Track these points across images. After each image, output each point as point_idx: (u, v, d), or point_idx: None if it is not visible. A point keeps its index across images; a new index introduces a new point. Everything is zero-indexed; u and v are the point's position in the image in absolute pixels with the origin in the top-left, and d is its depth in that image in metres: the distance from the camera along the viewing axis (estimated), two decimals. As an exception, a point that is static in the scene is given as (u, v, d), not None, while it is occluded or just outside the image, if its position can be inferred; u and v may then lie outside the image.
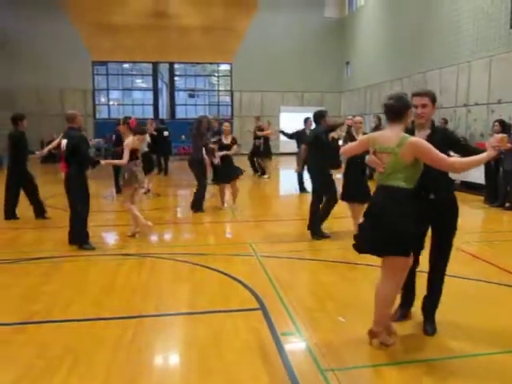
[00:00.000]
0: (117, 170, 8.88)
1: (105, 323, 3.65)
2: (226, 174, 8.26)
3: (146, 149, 10.37)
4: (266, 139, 13.09)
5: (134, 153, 6.25)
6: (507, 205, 8.38)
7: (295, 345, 3.31)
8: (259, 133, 13.12)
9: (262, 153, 13.24)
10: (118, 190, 9.10)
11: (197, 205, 8.18)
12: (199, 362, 3.04)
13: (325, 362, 2.97)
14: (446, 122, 11.11)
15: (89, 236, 5.80)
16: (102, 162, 6.45)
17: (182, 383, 2.87)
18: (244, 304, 4.00)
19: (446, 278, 3.50)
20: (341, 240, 6.08)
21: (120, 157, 6.36)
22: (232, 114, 23.04)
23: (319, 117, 6.29)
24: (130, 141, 6.19)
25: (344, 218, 6.80)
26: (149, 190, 10.18)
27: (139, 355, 3.13)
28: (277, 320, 3.62)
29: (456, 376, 2.85)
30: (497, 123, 8.67)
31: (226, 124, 8.69)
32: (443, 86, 13.77)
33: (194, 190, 8.34)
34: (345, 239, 6.04)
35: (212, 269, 4.93)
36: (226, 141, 8.36)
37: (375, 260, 4.92)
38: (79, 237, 5.75)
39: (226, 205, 8.57)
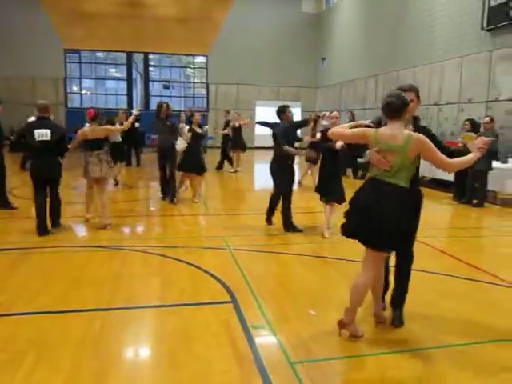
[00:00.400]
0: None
1: (72, 316, 3.57)
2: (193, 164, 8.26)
3: (117, 139, 10.21)
4: (239, 130, 12.95)
5: (88, 143, 6.29)
6: (474, 202, 8.61)
7: (265, 337, 3.31)
8: (240, 123, 12.91)
9: (235, 145, 13.13)
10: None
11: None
12: (169, 355, 3.01)
13: (294, 355, 2.99)
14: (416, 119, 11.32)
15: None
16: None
17: (151, 377, 2.84)
18: (215, 297, 3.98)
19: (415, 273, 3.58)
20: (314, 235, 6.12)
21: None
22: (207, 107, 22.88)
23: (281, 112, 6.24)
24: (80, 131, 6.38)
25: (318, 212, 6.85)
26: (117, 183, 10.01)
27: (107, 348, 3.07)
28: (248, 313, 3.62)
29: (427, 364, 2.92)
30: (467, 122, 8.89)
31: (197, 114, 8.66)
32: (417, 85, 13.97)
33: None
34: (317, 234, 6.11)
35: (183, 261, 4.89)
36: (200, 130, 8.37)
37: (347, 255, 5.00)
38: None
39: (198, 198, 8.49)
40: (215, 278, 4.40)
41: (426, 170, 9.20)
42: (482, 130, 8.57)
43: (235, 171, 13.05)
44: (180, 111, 14.21)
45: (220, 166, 13.41)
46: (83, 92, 24.24)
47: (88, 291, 4.07)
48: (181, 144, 8.14)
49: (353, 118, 12.70)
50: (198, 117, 8.55)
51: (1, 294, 3.90)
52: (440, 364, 2.95)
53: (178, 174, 8.43)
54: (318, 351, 3.07)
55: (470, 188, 8.75)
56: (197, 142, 8.30)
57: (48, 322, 3.44)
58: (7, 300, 3.80)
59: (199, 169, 8.32)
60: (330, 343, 3.20)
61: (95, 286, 4.19)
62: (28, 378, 2.69)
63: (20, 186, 9.17)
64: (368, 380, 2.77)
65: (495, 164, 8.61)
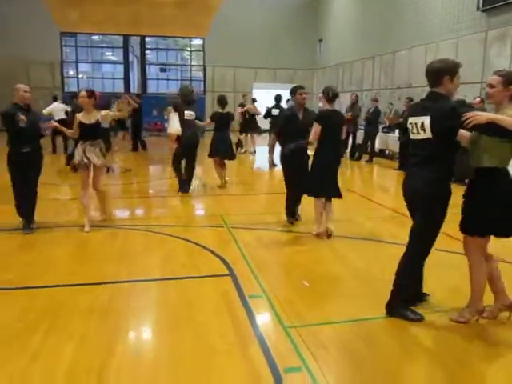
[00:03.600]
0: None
1: (79, 289, 3.80)
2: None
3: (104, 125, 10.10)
4: (253, 115, 13.36)
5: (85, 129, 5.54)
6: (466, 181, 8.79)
7: (261, 306, 3.54)
8: (251, 110, 13.29)
9: (251, 128, 13.57)
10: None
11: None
12: (170, 321, 3.26)
13: (288, 320, 3.23)
14: (411, 100, 11.50)
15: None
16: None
17: (154, 340, 3.09)
18: (214, 270, 4.21)
19: (399, 247, 3.70)
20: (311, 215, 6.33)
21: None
22: (204, 90, 22.89)
23: (291, 93, 5.73)
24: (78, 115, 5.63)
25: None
26: (108, 169, 9.80)
27: (114, 317, 3.31)
28: (245, 285, 3.86)
29: (420, 329, 3.16)
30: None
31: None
32: (412, 66, 14.08)
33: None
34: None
35: (183, 239, 5.12)
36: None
37: (340, 232, 5.23)
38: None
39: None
40: (213, 253, 4.64)
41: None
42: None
43: (245, 151, 13.57)
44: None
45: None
46: (80, 76, 24.20)
47: (93, 266, 4.30)
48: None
49: (356, 100, 12.87)
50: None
51: (10, 271, 4.13)
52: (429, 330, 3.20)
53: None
54: (310, 317, 3.31)
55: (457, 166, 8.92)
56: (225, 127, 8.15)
57: (58, 294, 3.68)
58: (17, 276, 4.03)
59: (232, 154, 8.38)
60: (321, 310, 3.45)
61: (100, 262, 4.42)
62: (43, 343, 2.93)
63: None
64: (358, 345, 3.01)
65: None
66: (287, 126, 5.57)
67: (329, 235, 5.27)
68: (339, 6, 20.36)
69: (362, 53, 17.68)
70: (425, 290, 3.57)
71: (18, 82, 5.67)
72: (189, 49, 24.60)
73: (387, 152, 13.25)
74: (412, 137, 3.23)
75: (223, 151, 8.17)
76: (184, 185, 7.81)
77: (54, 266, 4.31)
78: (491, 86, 3.06)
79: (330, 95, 5.23)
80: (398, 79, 15.01)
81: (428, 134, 3.07)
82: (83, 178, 5.57)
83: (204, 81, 23.09)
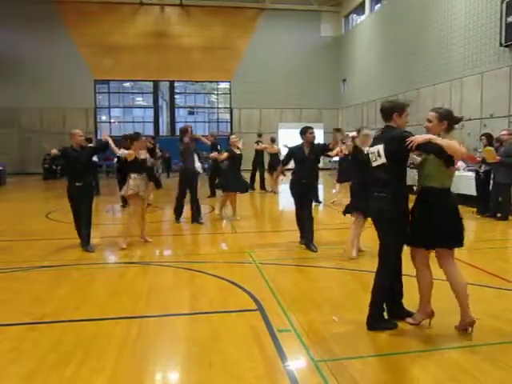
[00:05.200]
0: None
1: (111, 323, 3.87)
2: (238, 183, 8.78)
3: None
4: (276, 154, 13.63)
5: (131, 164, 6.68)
6: (498, 215, 8.63)
7: (290, 340, 3.51)
8: (268, 150, 13.58)
9: (274, 167, 13.37)
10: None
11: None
12: (199, 356, 3.26)
13: (317, 354, 3.20)
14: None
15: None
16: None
17: (183, 375, 3.10)
18: (243, 306, 4.22)
19: (440, 282, 3.75)
20: (337, 249, 6.31)
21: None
22: (231, 131, 23.44)
23: (301, 133, 6.44)
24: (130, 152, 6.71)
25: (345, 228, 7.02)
26: (149, 204, 10.37)
27: (144, 351, 3.35)
28: (274, 319, 3.85)
29: (450, 366, 3.08)
30: (483, 137, 9.05)
31: (233, 136, 9.15)
32: (437, 102, 14.14)
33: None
34: (341, 249, 6.29)
35: (212, 275, 5.17)
36: (238, 151, 8.82)
37: (367, 266, 5.19)
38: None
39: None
40: (242, 288, 4.66)
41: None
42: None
43: (272, 191, 13.44)
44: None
45: (252, 186, 13.68)
46: (112, 121, 25.23)
47: (125, 301, 4.38)
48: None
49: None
50: (235, 139, 8.95)
51: (47, 305, 4.26)
52: (459, 363, 3.10)
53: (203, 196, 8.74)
54: (340, 351, 3.27)
55: (493, 201, 8.79)
56: (236, 162, 8.76)
57: (91, 327, 3.76)
58: (53, 310, 4.15)
59: (244, 187, 9.06)
60: (351, 344, 3.40)
61: (131, 297, 4.50)
62: (76, 375, 2.98)
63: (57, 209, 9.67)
64: (388, 379, 2.95)
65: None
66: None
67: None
68: (362, 46, 20.84)
69: (385, 91, 17.89)
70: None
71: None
72: (216, 92, 25.42)
73: (415, 188, 13.06)
74: (373, 164, 3.69)
75: (237, 186, 8.77)
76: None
77: (87, 300, 4.41)
78: (429, 120, 3.58)
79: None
80: (423, 116, 15.04)
81: (383, 160, 3.54)
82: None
83: (231, 122, 23.70)
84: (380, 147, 3.57)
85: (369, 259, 5.78)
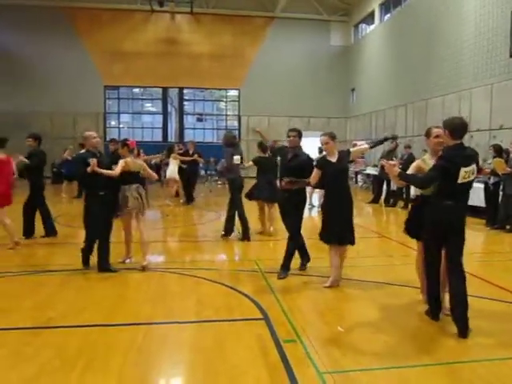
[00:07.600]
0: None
1: (116, 329, 3.87)
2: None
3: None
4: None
5: (128, 175, 5.67)
6: (508, 227, 8.55)
7: (295, 350, 3.48)
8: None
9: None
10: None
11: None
12: (204, 364, 3.24)
13: (323, 366, 3.17)
14: (409, 147, 12.24)
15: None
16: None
17: (188, 382, 3.08)
18: (248, 314, 4.20)
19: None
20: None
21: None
22: (239, 138, 23.49)
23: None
24: (126, 160, 5.69)
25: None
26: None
27: (149, 357, 3.33)
28: (279, 329, 3.82)
29: (460, 381, 3.03)
30: (491, 148, 9.00)
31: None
32: (446, 113, 14.10)
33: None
34: (348, 260, 6.24)
35: (218, 282, 5.15)
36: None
37: (373, 277, 5.16)
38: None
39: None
40: (247, 297, 4.63)
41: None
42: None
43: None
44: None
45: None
46: (121, 126, 25.40)
47: (130, 308, 4.39)
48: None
49: (395, 148, 12.64)
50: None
51: (52, 309, 4.26)
52: (465, 377, 3.06)
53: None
54: (346, 363, 3.23)
55: (502, 213, 8.71)
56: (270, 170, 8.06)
57: (95, 333, 3.76)
58: (58, 314, 4.15)
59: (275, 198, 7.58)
60: (357, 356, 3.36)
61: (136, 304, 4.50)
62: (80, 381, 2.98)
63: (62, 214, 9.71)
64: (393, 390, 2.91)
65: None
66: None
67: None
68: (371, 56, 20.86)
69: (394, 100, 17.89)
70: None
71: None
72: (224, 99, 25.53)
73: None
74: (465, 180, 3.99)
75: (267, 194, 7.97)
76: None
77: (92, 305, 4.41)
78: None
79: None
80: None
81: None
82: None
83: (239, 129, 23.75)
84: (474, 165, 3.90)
85: (376, 270, 5.75)
